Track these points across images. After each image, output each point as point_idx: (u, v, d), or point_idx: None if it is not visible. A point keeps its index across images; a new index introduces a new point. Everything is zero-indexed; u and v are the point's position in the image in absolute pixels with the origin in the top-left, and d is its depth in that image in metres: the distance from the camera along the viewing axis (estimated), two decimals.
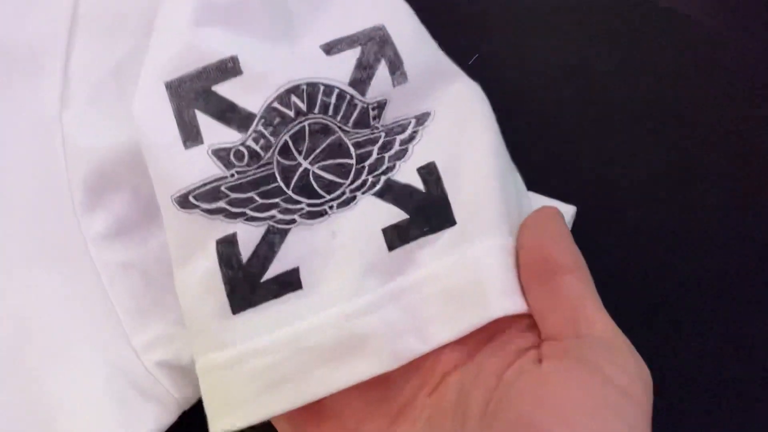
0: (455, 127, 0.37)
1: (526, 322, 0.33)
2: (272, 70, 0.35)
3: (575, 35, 0.51)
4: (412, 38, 0.37)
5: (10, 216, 0.40)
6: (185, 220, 0.34)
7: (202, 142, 0.34)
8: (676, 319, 0.44)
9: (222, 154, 0.34)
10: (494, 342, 0.33)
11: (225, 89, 0.35)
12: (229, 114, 0.34)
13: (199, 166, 0.34)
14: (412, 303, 0.34)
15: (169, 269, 0.35)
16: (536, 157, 0.45)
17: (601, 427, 0.27)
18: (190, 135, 0.34)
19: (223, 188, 0.34)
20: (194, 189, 0.34)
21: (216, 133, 0.34)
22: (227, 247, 0.34)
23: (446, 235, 0.35)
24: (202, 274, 0.34)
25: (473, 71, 0.39)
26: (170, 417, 0.39)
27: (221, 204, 0.34)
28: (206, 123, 0.34)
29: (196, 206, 0.34)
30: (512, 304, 0.33)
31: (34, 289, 0.39)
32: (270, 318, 0.33)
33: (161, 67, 0.35)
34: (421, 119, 0.37)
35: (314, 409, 0.34)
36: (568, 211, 0.42)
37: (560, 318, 0.32)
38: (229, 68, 0.35)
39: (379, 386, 0.34)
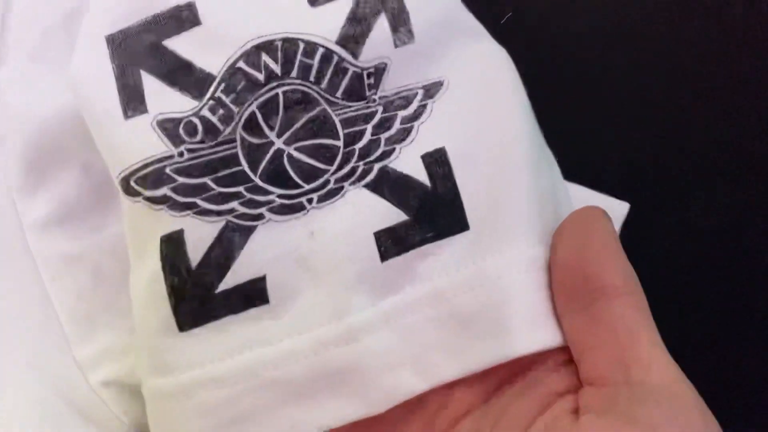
0: (473, 102, 0.32)
1: (562, 357, 0.30)
2: (239, 21, 0.30)
3: None
4: None
5: None
6: (132, 209, 0.30)
7: (146, 111, 0.30)
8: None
9: (169, 127, 0.30)
10: (519, 381, 0.30)
11: (178, 44, 0.30)
12: (183, 75, 0.30)
13: (140, 142, 0.30)
14: (410, 327, 0.30)
15: (125, 265, 0.32)
16: (577, 140, 0.40)
17: None
18: (132, 101, 0.30)
19: (168, 170, 0.29)
20: (135, 171, 0.30)
21: (164, 99, 0.30)
22: (171, 247, 0.30)
23: (457, 243, 0.30)
24: (148, 278, 0.30)
25: (504, 34, 0.34)
26: None
27: (165, 191, 0.30)
28: (153, 86, 0.30)
29: (137, 193, 0.30)
30: (543, 336, 0.29)
31: None
32: (226, 339, 0.30)
33: (102, 17, 0.31)
34: (431, 90, 0.32)
35: None
36: (619, 209, 0.38)
37: (605, 356, 0.27)
38: (184, 17, 0.30)
39: (371, 428, 0.30)
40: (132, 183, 0.30)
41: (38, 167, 0.36)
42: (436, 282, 0.30)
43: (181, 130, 0.30)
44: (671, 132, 0.43)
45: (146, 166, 0.29)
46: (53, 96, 0.35)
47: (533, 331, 0.29)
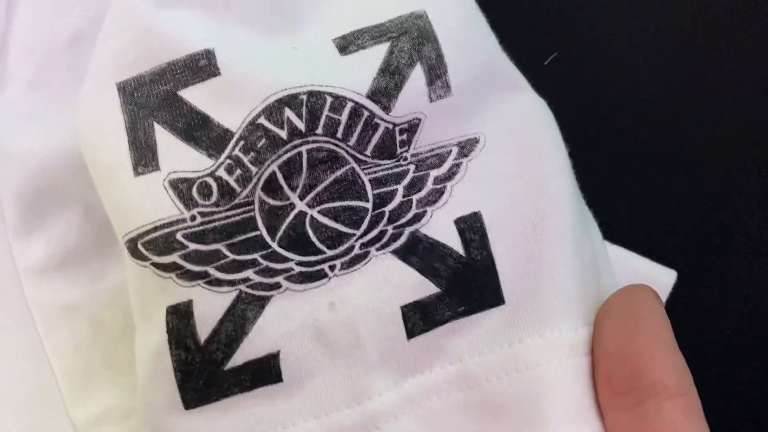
0: (511, 163, 0.30)
1: None
2: (261, 72, 0.28)
3: (684, 36, 0.42)
4: (464, 33, 0.30)
5: None
6: (137, 272, 0.28)
7: (158, 168, 0.28)
8: None
9: (182, 187, 0.27)
10: None
11: (195, 95, 0.28)
12: (198, 130, 0.28)
13: (150, 202, 0.28)
14: (436, 413, 0.28)
15: (126, 318, 0.30)
16: (624, 195, 0.39)
17: None
18: (144, 157, 0.28)
19: (179, 236, 0.27)
20: (143, 233, 0.28)
21: (178, 156, 0.28)
22: (179, 319, 0.28)
23: (491, 319, 0.29)
24: (153, 350, 0.28)
25: (549, 76, 0.33)
26: None
27: (175, 258, 0.27)
28: (166, 141, 0.28)
29: (146, 257, 0.28)
30: None
31: None
32: (234, 420, 0.28)
33: (113, 61, 0.29)
34: (465, 148, 0.30)
35: None
36: (666, 277, 0.36)
37: None
38: (201, 66, 0.28)
39: None
40: (140, 246, 0.28)
41: (35, 208, 0.34)
42: (466, 363, 0.29)
43: (194, 192, 0.27)
44: (721, 194, 0.42)
45: (156, 229, 0.27)
46: (54, 131, 0.33)
47: (573, 427, 0.27)
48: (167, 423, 0.28)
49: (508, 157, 0.30)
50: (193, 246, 0.27)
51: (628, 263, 0.36)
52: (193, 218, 0.27)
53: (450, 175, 0.29)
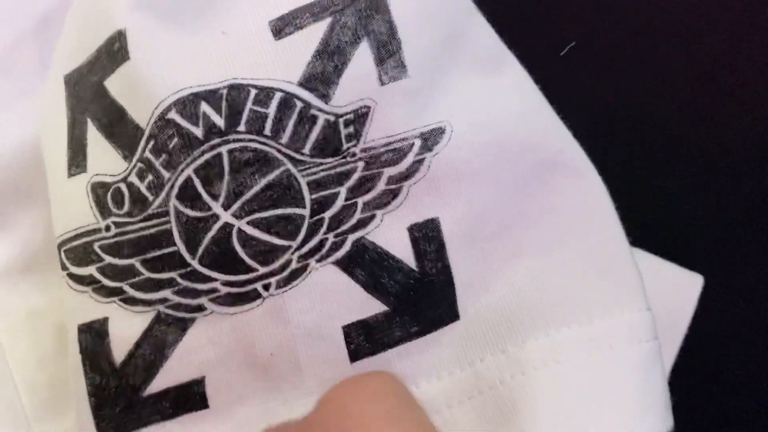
0: (482, 157, 0.27)
1: None
2: (175, 60, 0.25)
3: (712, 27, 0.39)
4: (425, 1, 0.27)
5: None
6: (63, 284, 0.27)
7: (85, 170, 0.26)
8: None
9: (100, 193, 0.26)
10: None
11: (114, 85, 0.26)
12: (117, 127, 0.26)
13: (75, 206, 0.26)
14: None
15: None
16: (646, 197, 0.37)
17: None
18: (77, 157, 0.27)
19: (95, 246, 0.26)
20: (65, 241, 0.26)
21: (101, 157, 0.26)
22: (92, 338, 0.26)
23: (448, 339, 0.26)
24: (72, 371, 0.27)
25: (566, 67, 0.33)
26: None
27: (91, 270, 0.26)
28: (94, 140, 0.26)
29: (65, 267, 0.26)
30: None
31: None
32: None
33: (63, 50, 0.28)
34: (430, 140, 0.26)
35: None
36: (693, 283, 0.34)
37: None
38: (116, 50, 0.26)
39: None
40: (62, 253, 0.26)
41: None
42: (423, 389, 0.26)
43: (109, 199, 0.26)
44: (750, 196, 0.39)
45: (76, 237, 0.26)
46: (18, 121, 0.32)
47: None
48: None
49: (477, 151, 0.26)
50: (108, 259, 0.26)
51: (653, 268, 0.33)
52: (107, 228, 0.26)
53: (409, 174, 0.26)
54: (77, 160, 0.26)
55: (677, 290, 0.33)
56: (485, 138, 0.26)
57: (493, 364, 0.26)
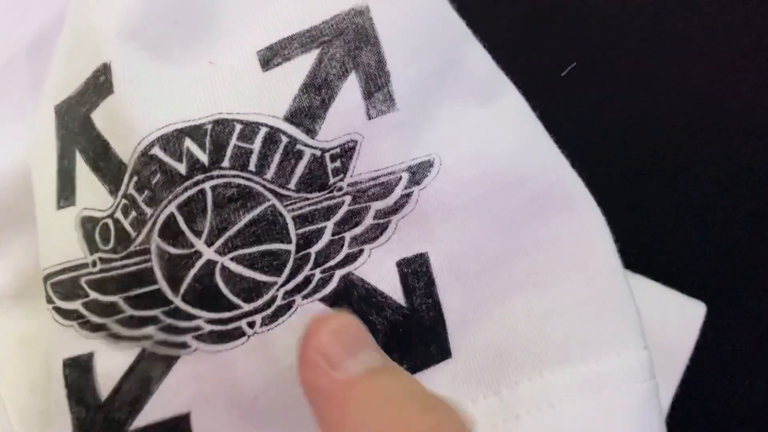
0: (472, 191, 0.26)
1: None
2: (159, 94, 0.25)
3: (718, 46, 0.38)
4: (415, 32, 0.26)
5: None
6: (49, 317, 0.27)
7: (74, 203, 0.26)
8: None
9: (88, 228, 0.26)
10: None
11: (100, 118, 0.26)
12: (102, 161, 0.25)
13: (63, 240, 0.26)
14: None
15: None
16: (646, 221, 0.36)
17: None
18: (66, 189, 0.26)
19: (82, 281, 0.25)
20: (52, 274, 0.26)
21: (89, 190, 0.26)
22: (78, 373, 0.26)
23: (438, 378, 0.26)
24: (54, 405, 0.27)
25: (567, 89, 0.32)
26: None
27: (77, 305, 0.26)
28: (82, 173, 0.26)
29: (51, 300, 0.26)
30: None
31: None
32: None
33: (55, 80, 0.28)
34: (418, 174, 0.26)
35: None
36: (695, 311, 0.33)
37: None
38: (101, 83, 0.25)
39: None
40: (48, 286, 0.26)
41: None
42: None
43: (96, 234, 0.25)
44: (753, 218, 0.38)
45: (63, 271, 0.26)
46: (10, 146, 0.32)
47: None
48: None
49: (467, 184, 0.26)
50: (93, 294, 0.25)
51: (653, 296, 0.33)
52: (94, 264, 0.25)
53: (397, 208, 0.25)
54: (66, 192, 0.26)
55: (679, 319, 0.33)
56: (476, 171, 0.26)
57: (486, 407, 0.26)
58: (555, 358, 0.26)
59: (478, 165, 0.26)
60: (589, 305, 0.27)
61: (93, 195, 0.25)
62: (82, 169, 0.26)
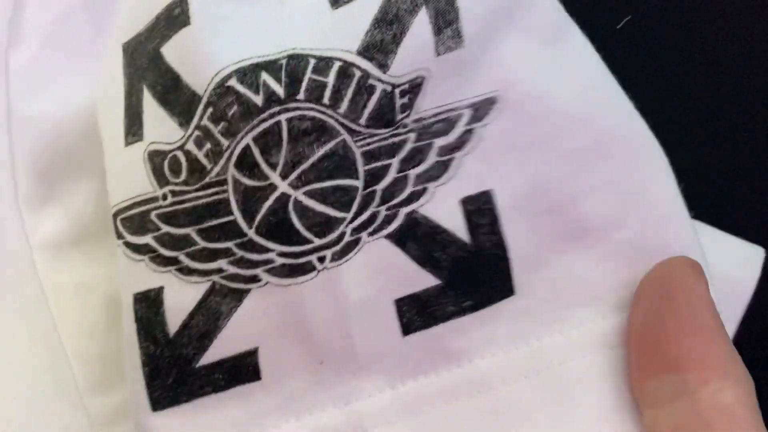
0: (537, 130, 0.26)
1: None
2: (237, 25, 0.25)
3: None
4: None
5: None
6: (117, 253, 0.27)
7: (141, 138, 0.26)
8: None
9: (156, 162, 0.26)
10: None
11: (171, 51, 0.26)
12: (171, 94, 0.26)
13: (132, 175, 0.26)
14: (440, 421, 0.26)
15: None
16: (708, 170, 0.35)
17: None
18: (133, 125, 0.26)
19: (152, 215, 0.26)
20: (122, 210, 0.26)
21: (157, 125, 0.26)
22: (147, 307, 0.26)
23: (503, 314, 0.26)
24: (124, 340, 0.27)
25: (621, 42, 0.31)
26: None
27: (148, 239, 0.26)
28: (150, 108, 0.26)
29: (121, 235, 0.26)
30: None
31: None
32: (208, 423, 0.26)
33: (123, 19, 0.28)
34: (480, 111, 0.26)
35: None
36: (754, 256, 0.33)
37: None
38: (176, 16, 0.26)
39: None
40: (118, 222, 0.26)
41: (50, 177, 0.32)
42: (477, 365, 0.26)
43: (166, 167, 0.25)
44: None
45: (133, 206, 0.26)
46: (72, 92, 0.32)
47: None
48: (139, 424, 0.26)
49: (532, 122, 0.26)
50: (165, 228, 0.26)
51: (711, 240, 0.32)
52: (164, 197, 0.26)
53: (459, 144, 0.26)
54: (133, 128, 0.26)
55: (737, 262, 0.32)
56: (540, 108, 0.26)
57: (551, 345, 0.26)
58: (617, 303, 0.26)
59: (542, 103, 0.26)
60: (652, 250, 0.27)
61: (160, 129, 0.26)
62: (150, 104, 0.26)
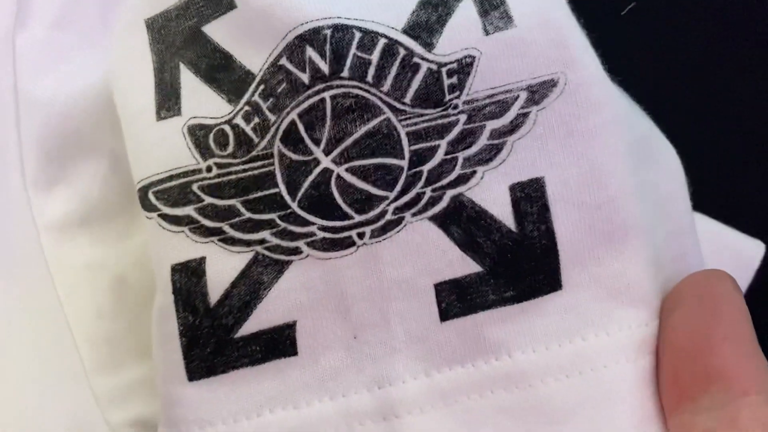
0: (602, 113, 0.26)
1: None
2: (279, 5, 0.26)
3: None
4: None
5: None
6: (148, 227, 0.27)
7: (179, 113, 0.27)
8: None
9: (199, 135, 0.26)
10: None
11: (218, 31, 0.27)
12: (221, 72, 0.27)
13: (168, 148, 0.27)
14: (475, 413, 0.26)
15: (153, 281, 0.28)
16: (708, 161, 0.34)
17: None
18: (168, 101, 0.27)
19: (194, 187, 0.26)
20: (156, 182, 0.27)
21: (200, 100, 0.27)
22: (188, 278, 0.26)
23: (547, 309, 0.26)
24: (159, 313, 0.27)
25: (625, 28, 0.31)
26: None
27: (189, 211, 0.26)
28: (190, 84, 0.27)
29: (155, 208, 0.27)
30: None
31: None
32: (243, 396, 0.26)
33: None
34: (538, 93, 0.26)
35: None
36: (754, 251, 0.34)
37: None
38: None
39: None
40: (150, 195, 0.26)
41: (58, 158, 0.32)
42: (517, 360, 0.26)
43: (211, 141, 0.26)
44: None
45: (171, 178, 0.26)
46: (80, 73, 0.32)
47: None
48: (172, 394, 0.27)
49: (593, 107, 0.26)
50: (209, 199, 0.26)
51: (710, 233, 0.32)
52: (209, 169, 0.26)
53: (513, 128, 0.25)
54: (168, 103, 0.27)
55: (736, 255, 0.32)
56: (602, 94, 0.26)
57: (597, 345, 0.26)
58: (656, 312, 0.26)
59: (604, 88, 0.26)
60: (677, 261, 0.27)
61: (203, 105, 0.26)
62: (190, 80, 0.27)
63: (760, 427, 0.22)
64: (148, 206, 0.26)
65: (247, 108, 0.25)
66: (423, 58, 0.25)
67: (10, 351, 0.32)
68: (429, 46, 0.25)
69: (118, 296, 0.33)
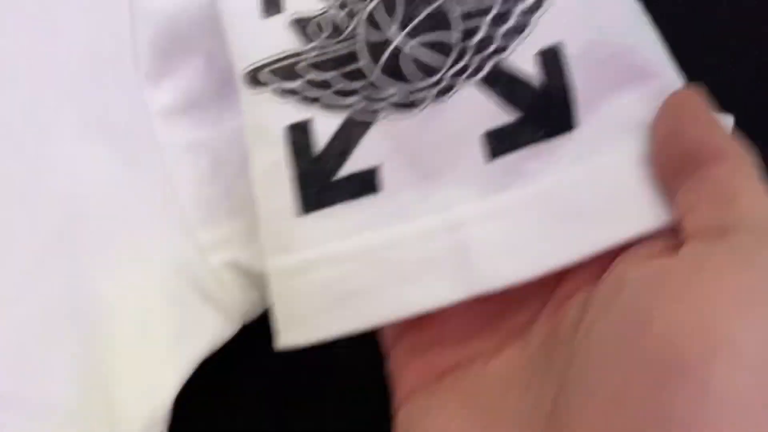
0: None
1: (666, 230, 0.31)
2: None
3: None
4: None
5: (64, 80, 0.38)
6: (254, 101, 0.33)
7: (282, 10, 0.32)
8: None
9: (301, 26, 0.32)
10: (624, 254, 0.31)
11: None
12: None
13: (274, 39, 0.32)
14: (519, 220, 0.31)
15: (242, 156, 0.34)
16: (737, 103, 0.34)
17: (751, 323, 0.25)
18: (271, 1, 0.32)
19: (299, 66, 0.32)
20: (266, 64, 0.32)
21: None
22: (300, 134, 0.32)
23: (569, 142, 0.31)
24: (270, 164, 0.33)
25: None
26: (231, 328, 0.38)
27: (296, 84, 0.32)
28: None
29: (265, 84, 0.32)
30: (656, 216, 0.30)
31: (89, 164, 0.38)
32: (341, 223, 0.32)
33: None
34: None
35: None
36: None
37: (706, 212, 0.28)
38: None
39: (492, 303, 0.32)
40: (260, 75, 0.32)
41: (166, 56, 0.37)
42: (548, 180, 0.31)
43: (310, 29, 0.32)
44: None
45: (279, 60, 0.32)
46: None
47: (646, 213, 0.30)
48: (285, 226, 0.32)
49: None
50: (311, 74, 0.32)
51: None
52: (310, 51, 0.32)
53: (535, 6, 0.31)
54: (272, 4, 0.32)
55: None
56: None
57: (608, 160, 0.31)
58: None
59: None
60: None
61: (300, 2, 0.32)
62: None
63: (724, 192, 0.28)
64: (258, 83, 0.32)
65: (339, 0, 0.32)
66: None
67: (127, 205, 0.38)
68: None
69: (215, 167, 0.38)
